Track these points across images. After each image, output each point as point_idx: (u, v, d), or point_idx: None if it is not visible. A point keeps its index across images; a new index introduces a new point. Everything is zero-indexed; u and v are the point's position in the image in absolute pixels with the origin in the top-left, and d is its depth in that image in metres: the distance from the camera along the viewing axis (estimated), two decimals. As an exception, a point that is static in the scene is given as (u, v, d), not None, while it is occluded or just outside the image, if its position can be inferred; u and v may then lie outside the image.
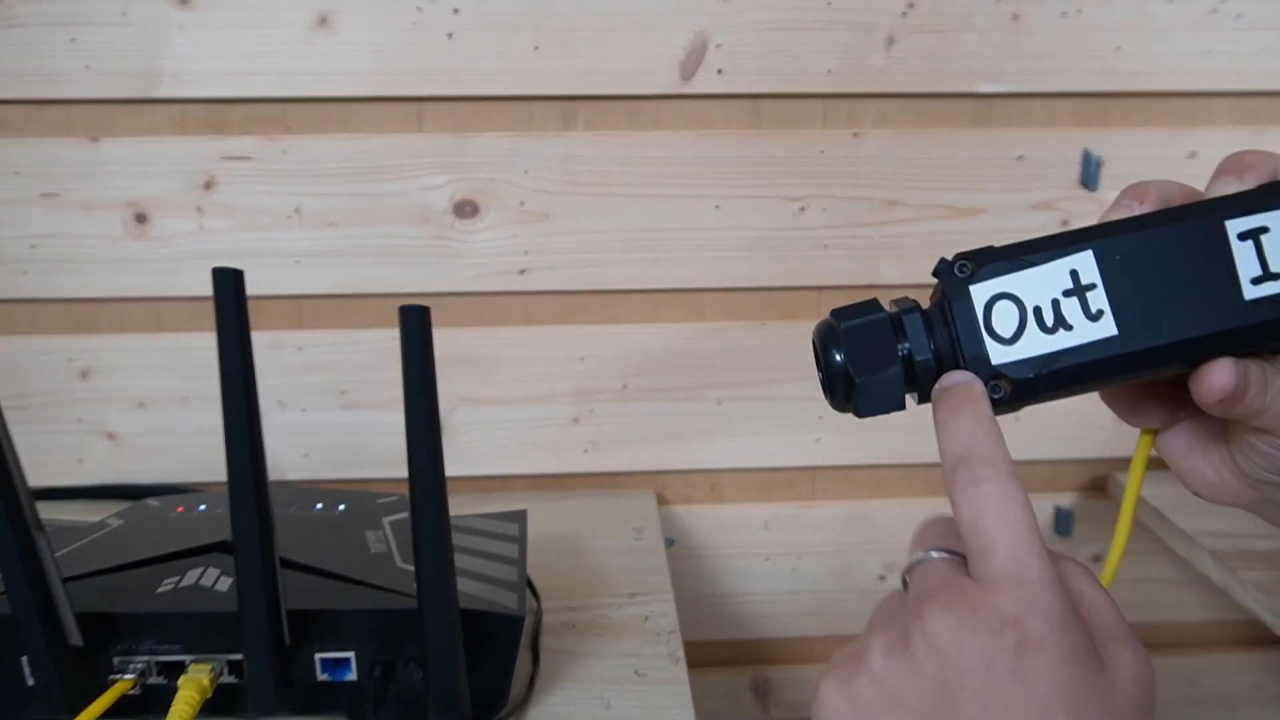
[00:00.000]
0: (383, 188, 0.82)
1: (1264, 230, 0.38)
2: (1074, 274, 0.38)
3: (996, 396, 0.38)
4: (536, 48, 0.80)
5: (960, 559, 0.37)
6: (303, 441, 0.87)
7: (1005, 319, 0.38)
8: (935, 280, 0.41)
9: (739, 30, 0.81)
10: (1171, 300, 0.38)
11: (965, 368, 0.39)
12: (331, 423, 0.87)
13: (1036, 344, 0.38)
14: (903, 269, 0.87)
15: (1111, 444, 0.92)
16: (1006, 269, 0.39)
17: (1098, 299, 0.38)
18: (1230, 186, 0.39)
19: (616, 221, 0.84)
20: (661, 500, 0.90)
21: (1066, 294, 0.38)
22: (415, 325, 0.46)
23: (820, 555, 0.93)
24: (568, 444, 0.88)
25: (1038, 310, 0.38)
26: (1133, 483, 0.45)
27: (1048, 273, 0.38)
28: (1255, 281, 0.38)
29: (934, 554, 0.39)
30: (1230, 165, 0.40)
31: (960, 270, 0.39)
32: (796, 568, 0.93)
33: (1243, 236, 0.38)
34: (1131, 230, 0.39)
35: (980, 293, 0.39)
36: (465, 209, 0.83)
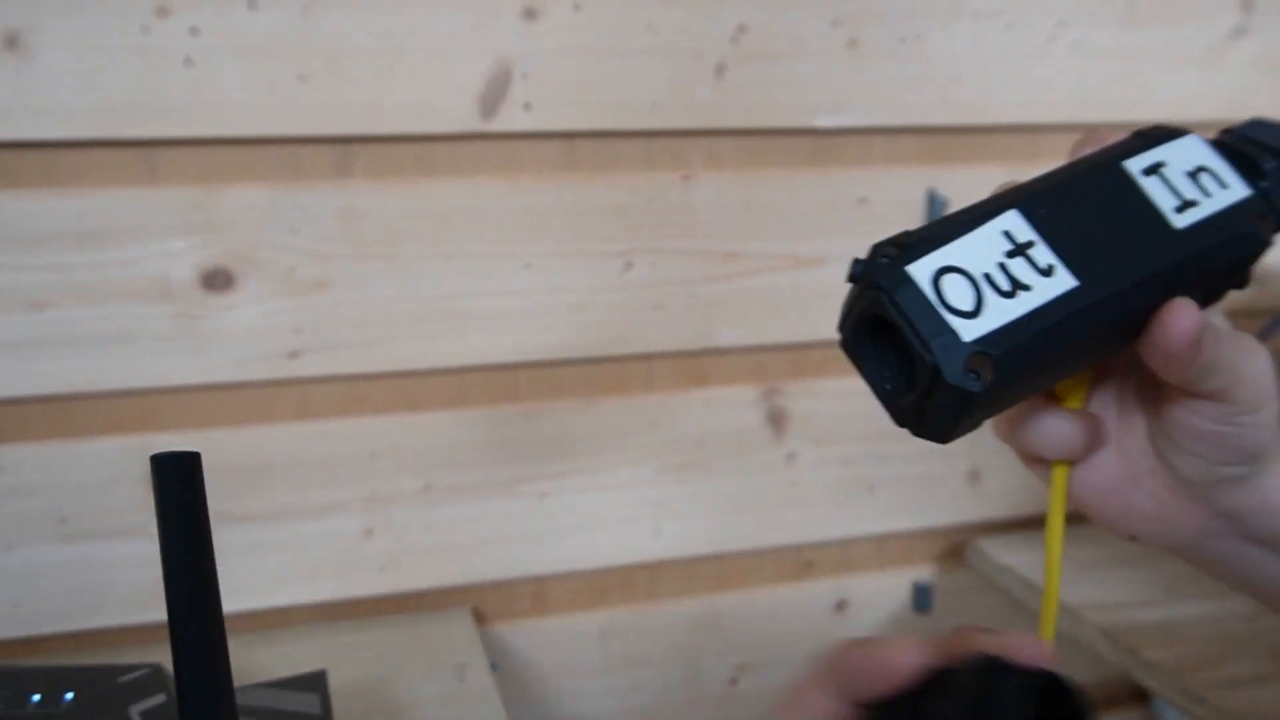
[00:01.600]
0: (106, 256, 0.64)
1: (1162, 164, 0.38)
2: (1008, 234, 0.36)
3: (976, 388, 0.34)
4: (301, 78, 0.65)
5: None
6: (10, 589, 0.67)
7: (959, 292, 0.34)
8: (853, 285, 0.36)
9: (548, 57, 0.68)
10: (1113, 244, 0.37)
11: (933, 359, 0.33)
12: (49, 560, 0.67)
13: (1003, 311, 0.34)
14: (743, 329, 0.76)
15: (967, 508, 0.84)
16: (937, 244, 0.35)
17: (1043, 255, 0.35)
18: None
19: (409, 288, 0.69)
20: (479, 618, 0.75)
21: (1010, 255, 0.35)
22: (176, 481, 0.30)
23: (664, 664, 0.80)
24: (360, 562, 0.72)
25: (988, 277, 0.35)
26: (1054, 519, 0.41)
27: (981, 238, 0.35)
28: (1178, 210, 0.37)
29: None
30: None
31: (885, 258, 0.35)
32: (638, 681, 0.80)
33: (1146, 173, 0.38)
34: (1044, 187, 0.37)
35: (920, 270, 0.34)
36: (217, 280, 0.66)
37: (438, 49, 0.66)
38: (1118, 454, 0.42)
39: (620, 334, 0.74)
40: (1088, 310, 0.35)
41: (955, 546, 0.85)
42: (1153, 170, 0.38)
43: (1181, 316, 0.36)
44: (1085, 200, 0.37)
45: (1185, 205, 0.38)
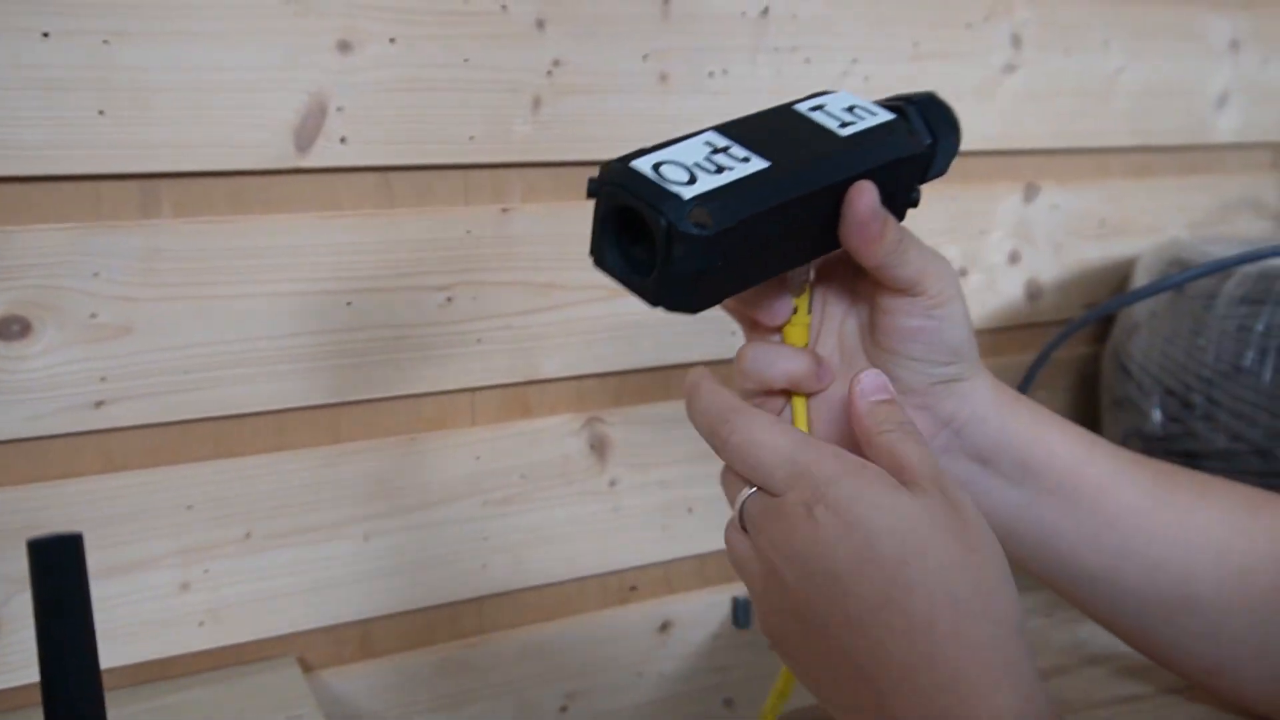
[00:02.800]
0: (-118, 306, 0.59)
1: (823, 105, 0.48)
2: (709, 143, 0.44)
3: (703, 232, 0.41)
4: (102, 112, 0.61)
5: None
6: None
7: (675, 172, 0.42)
8: (595, 199, 0.45)
9: (364, 91, 0.67)
10: (794, 143, 0.45)
11: (664, 218, 0.41)
12: None
13: (713, 180, 0.42)
14: (564, 359, 0.76)
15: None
16: (652, 150, 0.44)
17: (739, 151, 0.44)
18: None
19: (223, 330, 0.67)
20: (306, 666, 0.73)
21: (713, 154, 0.44)
22: (56, 566, 0.28)
23: (494, 698, 0.79)
24: (177, 618, 0.68)
25: (698, 164, 0.43)
26: None
27: (688, 146, 0.44)
28: (840, 127, 0.47)
29: (749, 490, 0.45)
30: None
31: (615, 163, 0.44)
32: (469, 718, 0.79)
33: (811, 110, 0.48)
34: (734, 121, 0.46)
35: (642, 164, 0.43)
36: (11, 328, 0.62)
37: (249, 82, 0.64)
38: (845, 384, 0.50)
39: (442, 369, 0.73)
40: (782, 181, 0.44)
41: (770, 560, 0.88)
42: (817, 108, 0.48)
43: (862, 190, 0.45)
44: (768, 124, 0.47)
45: (845, 124, 0.47)
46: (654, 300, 0.44)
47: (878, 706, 0.41)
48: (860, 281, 0.51)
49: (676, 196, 0.41)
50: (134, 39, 0.62)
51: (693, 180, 0.42)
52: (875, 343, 0.51)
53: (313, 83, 0.66)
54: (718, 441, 0.46)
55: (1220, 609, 0.53)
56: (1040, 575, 0.55)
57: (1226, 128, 1.03)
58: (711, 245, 0.41)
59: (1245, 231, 1.07)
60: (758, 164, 0.44)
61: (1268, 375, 0.73)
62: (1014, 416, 0.52)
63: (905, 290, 0.48)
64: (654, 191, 0.42)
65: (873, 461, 0.44)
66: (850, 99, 0.49)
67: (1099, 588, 0.54)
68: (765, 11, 0.78)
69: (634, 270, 0.44)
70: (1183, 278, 0.79)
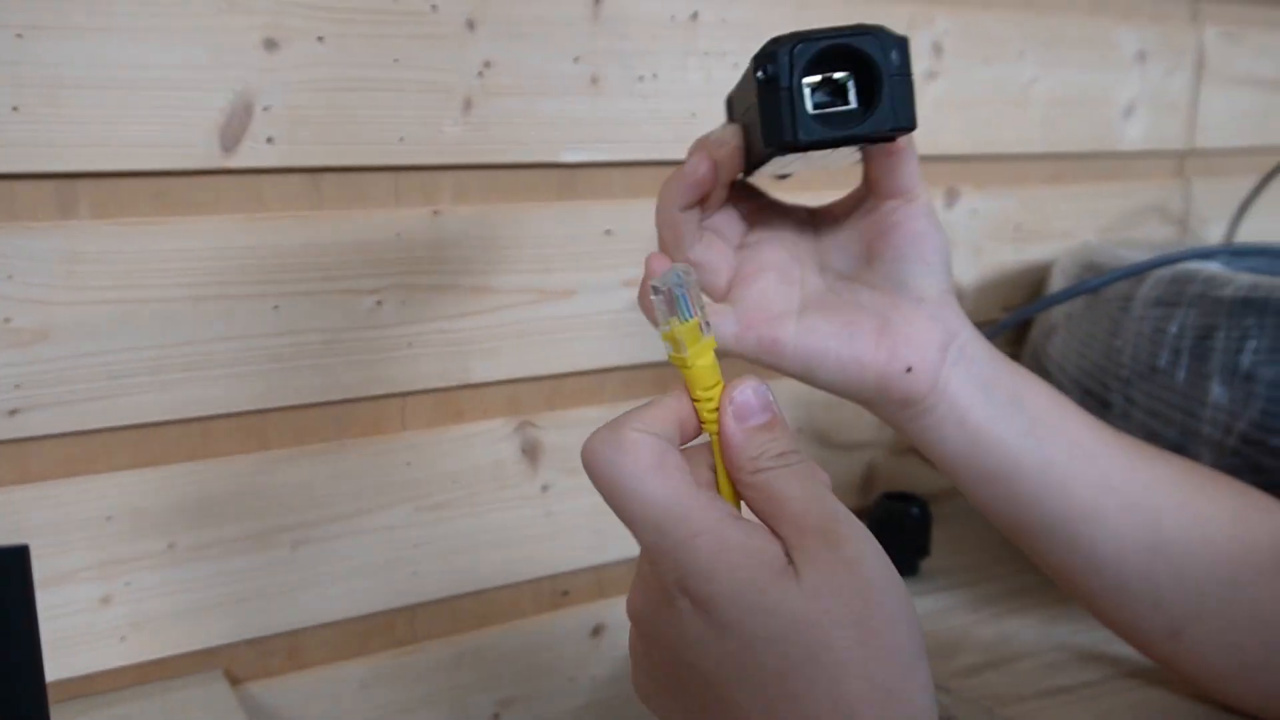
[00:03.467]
0: None
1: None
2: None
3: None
4: (15, 109, 0.59)
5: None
6: None
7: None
8: (765, 84, 0.45)
9: (292, 90, 0.66)
10: None
11: (878, 35, 0.44)
12: None
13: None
14: (496, 363, 0.75)
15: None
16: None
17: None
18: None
19: (144, 335, 0.65)
20: (233, 680, 0.71)
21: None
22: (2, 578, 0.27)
23: (428, 707, 0.78)
24: (97, 633, 0.66)
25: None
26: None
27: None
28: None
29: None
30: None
31: (778, 44, 0.45)
32: (400, 729, 0.78)
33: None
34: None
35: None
36: (-80, 333, 0.59)
37: (172, 80, 0.62)
38: (825, 296, 0.53)
39: (372, 374, 0.72)
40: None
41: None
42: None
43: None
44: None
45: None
46: (897, 124, 0.44)
47: None
48: (827, 228, 0.54)
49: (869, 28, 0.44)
50: (50, 33, 0.59)
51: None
52: (884, 265, 0.52)
53: (238, 81, 0.64)
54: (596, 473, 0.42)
55: (1185, 553, 0.55)
56: (1035, 517, 0.55)
57: (1134, 136, 1.06)
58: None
59: (1152, 236, 1.11)
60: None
61: (1181, 375, 0.76)
62: (996, 352, 0.54)
63: (901, 194, 0.51)
64: (845, 31, 0.44)
65: (749, 502, 0.40)
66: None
67: (1082, 528, 0.55)
68: (695, 16, 0.78)
69: (841, 125, 0.44)
70: (1102, 281, 0.81)
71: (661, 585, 0.38)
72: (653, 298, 0.42)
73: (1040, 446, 0.54)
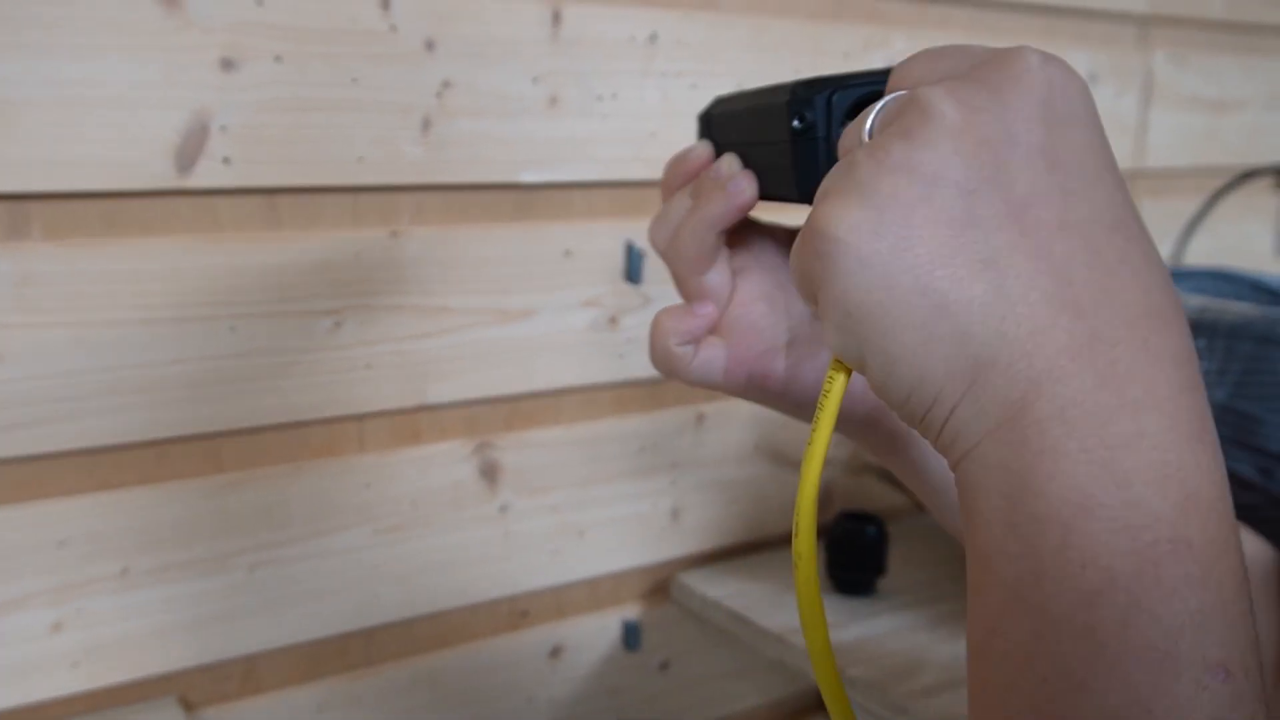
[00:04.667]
0: None
1: None
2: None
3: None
4: (-33, 129, 0.58)
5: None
6: None
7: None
8: (802, 132, 0.42)
9: (248, 110, 0.65)
10: None
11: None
12: None
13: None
14: (455, 384, 0.75)
15: (670, 545, 0.87)
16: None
17: None
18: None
19: (98, 358, 0.64)
20: (187, 705, 0.70)
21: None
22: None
23: (383, 732, 0.78)
24: (49, 660, 0.65)
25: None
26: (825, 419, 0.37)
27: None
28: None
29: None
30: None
31: (807, 89, 0.42)
32: (357, 753, 0.77)
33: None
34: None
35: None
36: None
37: (126, 99, 0.62)
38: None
39: (330, 395, 0.71)
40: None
41: (661, 583, 0.89)
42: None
43: None
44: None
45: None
46: None
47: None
48: None
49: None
50: (1, 51, 0.59)
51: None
52: None
53: (194, 101, 0.64)
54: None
55: None
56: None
57: (1085, 156, 1.08)
58: None
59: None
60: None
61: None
62: None
63: None
64: (876, 76, 0.40)
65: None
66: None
67: None
68: (653, 37, 0.79)
69: None
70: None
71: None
72: None
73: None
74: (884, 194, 0.32)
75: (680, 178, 0.49)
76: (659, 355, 0.48)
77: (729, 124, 0.50)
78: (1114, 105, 1.09)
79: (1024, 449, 0.31)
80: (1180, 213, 1.11)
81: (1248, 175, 1.08)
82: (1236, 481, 0.72)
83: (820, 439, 0.36)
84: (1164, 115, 1.13)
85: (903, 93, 0.35)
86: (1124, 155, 1.11)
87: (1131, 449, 0.30)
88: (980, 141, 0.32)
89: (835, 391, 0.36)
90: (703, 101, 0.80)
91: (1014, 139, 0.32)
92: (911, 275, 0.32)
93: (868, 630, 0.77)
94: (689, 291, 0.48)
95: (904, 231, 0.32)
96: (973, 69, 0.34)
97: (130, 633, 0.67)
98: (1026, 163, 0.32)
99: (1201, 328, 0.73)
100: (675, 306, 0.48)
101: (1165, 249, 1.14)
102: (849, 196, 0.33)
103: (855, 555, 0.82)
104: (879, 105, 0.36)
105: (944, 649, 0.74)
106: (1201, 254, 1.12)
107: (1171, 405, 0.31)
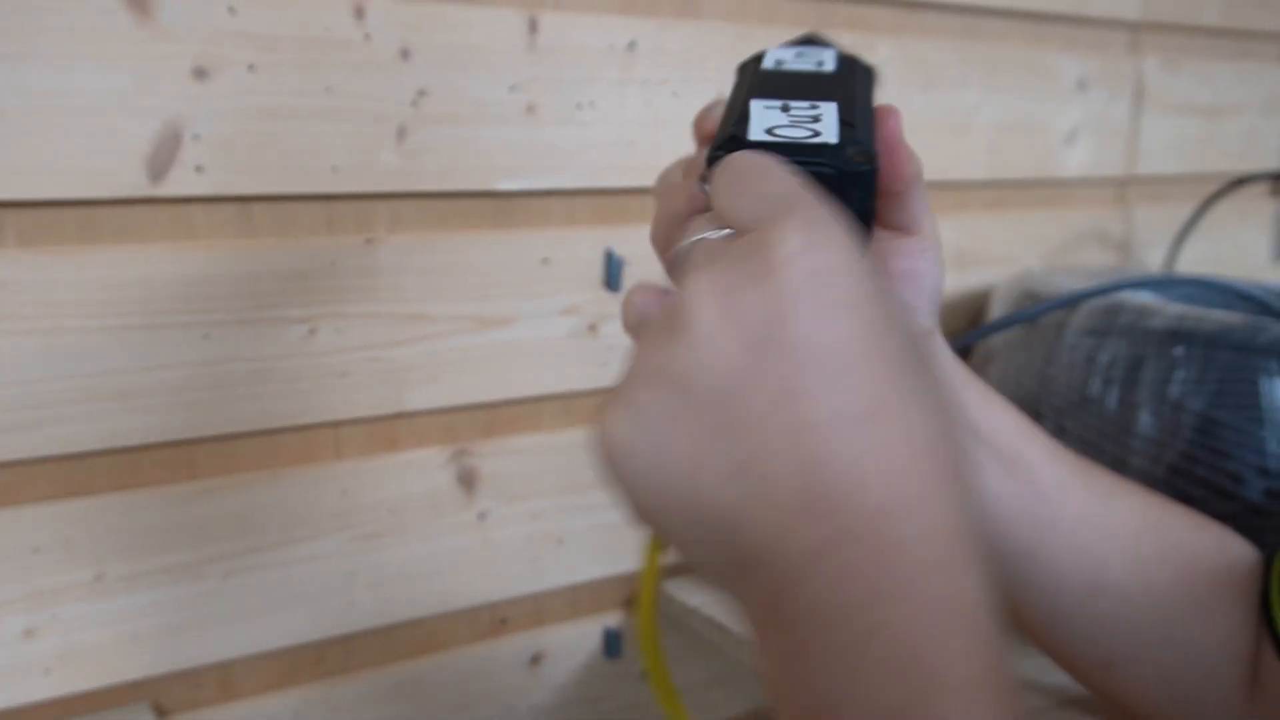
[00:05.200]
0: None
1: (784, 60, 0.50)
2: (769, 107, 0.43)
3: (868, 166, 0.41)
4: (-62, 138, 0.59)
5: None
6: None
7: (792, 131, 0.42)
8: None
9: (222, 118, 0.66)
10: (823, 87, 0.45)
11: (828, 165, 0.40)
12: None
13: (824, 125, 0.42)
14: (432, 392, 0.75)
15: (651, 553, 0.87)
16: (735, 127, 0.42)
17: (801, 103, 0.43)
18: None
19: (71, 365, 0.64)
20: (160, 712, 0.70)
21: (786, 111, 0.43)
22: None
23: (361, 738, 0.78)
24: (21, 667, 0.65)
25: (794, 121, 0.42)
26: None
27: (764, 115, 0.43)
28: (819, 66, 0.49)
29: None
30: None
31: (730, 141, 0.41)
32: (334, 759, 0.77)
33: (787, 63, 0.49)
34: (751, 87, 0.45)
35: (761, 136, 0.41)
36: None
37: (99, 107, 0.62)
38: None
39: (305, 402, 0.72)
40: (856, 111, 0.43)
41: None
42: (783, 61, 0.49)
43: (893, 112, 0.45)
44: (780, 82, 0.46)
45: (820, 63, 0.49)
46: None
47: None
48: None
49: (827, 145, 0.40)
50: (-26, 62, 0.59)
51: (816, 133, 0.41)
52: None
53: (167, 109, 0.64)
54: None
55: (1126, 597, 0.54)
56: None
57: (1074, 163, 1.08)
58: (875, 175, 0.41)
59: (1092, 262, 1.12)
60: (829, 106, 0.43)
61: (1112, 405, 0.76)
62: (968, 382, 0.53)
63: (903, 228, 0.48)
64: (802, 149, 0.40)
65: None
66: (783, 51, 0.51)
67: (1022, 564, 0.54)
68: (632, 45, 0.79)
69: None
70: (1036, 311, 0.82)
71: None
72: None
73: (990, 485, 0.52)
74: (644, 404, 0.34)
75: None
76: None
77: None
78: (1105, 111, 1.08)
79: (785, 644, 0.32)
80: (1173, 219, 1.11)
81: (1241, 181, 1.08)
82: (1214, 491, 0.72)
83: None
84: (1156, 121, 1.12)
85: (701, 238, 0.38)
86: (1115, 162, 1.11)
87: (874, 640, 0.31)
88: (738, 344, 0.33)
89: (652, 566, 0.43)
90: (685, 110, 0.81)
91: (769, 338, 0.33)
92: (675, 482, 0.34)
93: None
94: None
95: (664, 443, 0.34)
96: (744, 246, 0.35)
97: (104, 639, 0.67)
98: (778, 361, 0.33)
99: (1180, 336, 0.73)
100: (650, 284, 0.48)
101: (1158, 256, 1.14)
102: (619, 405, 0.35)
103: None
104: (695, 238, 0.38)
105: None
106: (1195, 261, 1.12)
107: (915, 589, 0.32)
